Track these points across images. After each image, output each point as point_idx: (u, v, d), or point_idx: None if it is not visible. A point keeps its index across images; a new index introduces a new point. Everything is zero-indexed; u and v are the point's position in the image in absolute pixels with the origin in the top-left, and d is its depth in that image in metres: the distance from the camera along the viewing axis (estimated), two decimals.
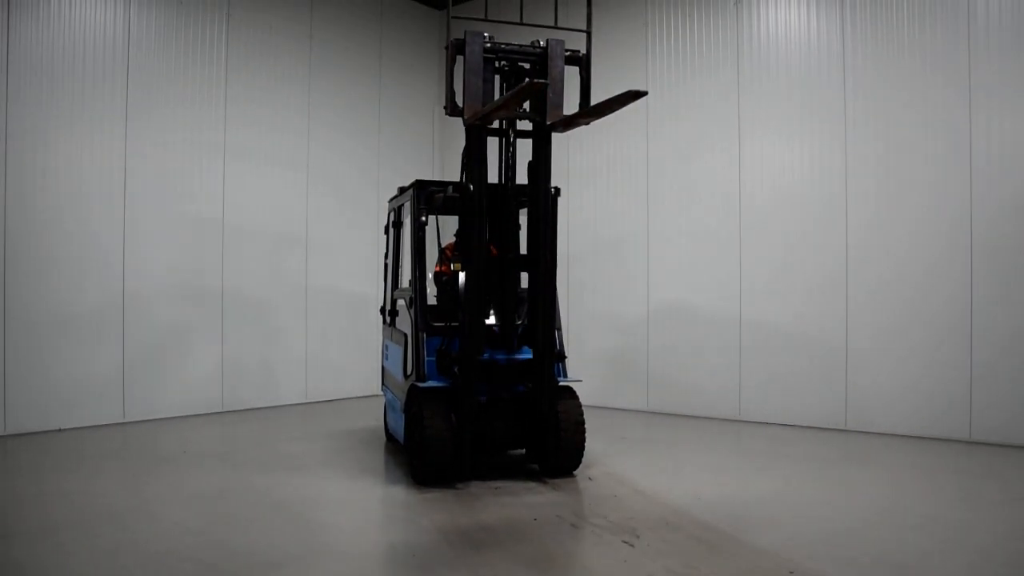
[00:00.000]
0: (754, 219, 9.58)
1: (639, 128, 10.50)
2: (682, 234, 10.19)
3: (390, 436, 8.29)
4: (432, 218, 7.27)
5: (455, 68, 6.39)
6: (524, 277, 6.87)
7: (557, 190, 6.81)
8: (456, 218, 7.00)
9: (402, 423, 7.13)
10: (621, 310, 10.72)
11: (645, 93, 5.32)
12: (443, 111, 6.57)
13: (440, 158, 12.87)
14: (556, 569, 4.67)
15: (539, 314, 6.49)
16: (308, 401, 11.11)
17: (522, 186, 6.74)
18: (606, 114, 5.87)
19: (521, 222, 7.00)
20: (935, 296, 8.27)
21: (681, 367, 10.17)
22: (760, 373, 9.51)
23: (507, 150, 6.83)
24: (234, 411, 10.18)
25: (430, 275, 7.51)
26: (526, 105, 6.45)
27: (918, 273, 8.39)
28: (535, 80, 5.61)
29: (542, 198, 6.49)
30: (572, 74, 6.70)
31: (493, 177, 6.73)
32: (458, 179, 6.84)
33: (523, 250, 6.88)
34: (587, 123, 6.37)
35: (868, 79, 8.75)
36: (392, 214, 8.22)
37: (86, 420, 8.84)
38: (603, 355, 10.82)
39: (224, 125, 10.15)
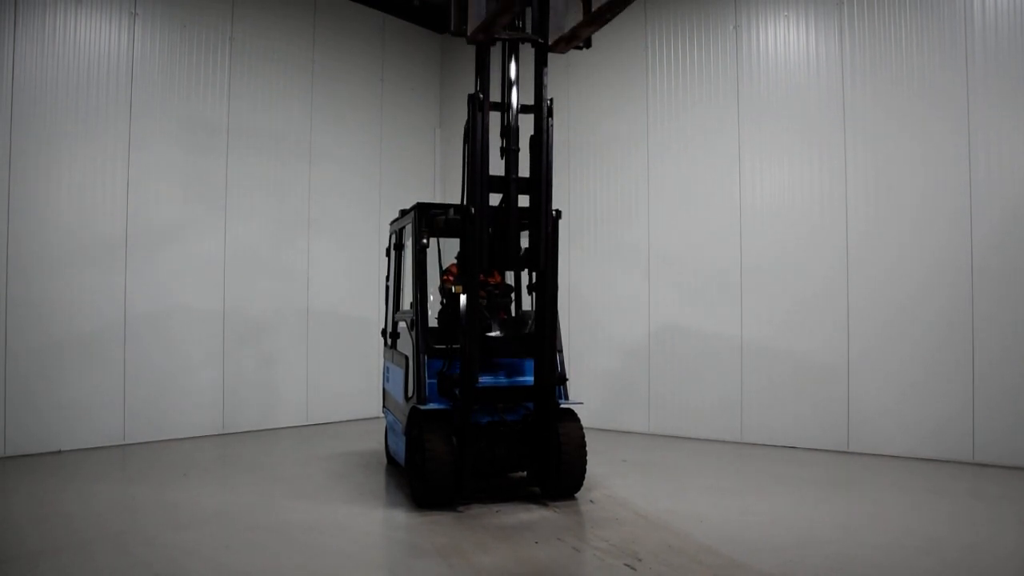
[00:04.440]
0: (754, 239, 9.61)
1: (639, 143, 10.55)
2: (682, 254, 10.22)
3: (391, 458, 8.26)
4: (433, 240, 7.28)
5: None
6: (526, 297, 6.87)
7: (559, 212, 6.82)
8: (457, 241, 7.01)
9: (403, 445, 7.11)
10: (622, 331, 10.73)
11: None
12: (449, 32, 6.39)
13: (441, 181, 12.92)
14: None
15: (541, 335, 6.48)
16: (309, 423, 11.10)
17: (523, 209, 6.74)
18: (608, 19, 5.76)
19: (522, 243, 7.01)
20: (935, 317, 8.28)
21: (682, 388, 10.16)
22: (762, 395, 9.50)
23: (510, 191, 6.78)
24: (234, 433, 10.16)
25: (432, 297, 7.51)
26: (528, 39, 6.40)
27: (918, 291, 8.41)
28: None
29: (544, 199, 6.43)
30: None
31: (495, 163, 6.56)
32: (460, 192, 6.80)
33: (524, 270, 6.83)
34: (590, 36, 6.23)
35: (866, 96, 8.80)
36: (393, 236, 8.24)
37: (87, 442, 8.83)
38: (604, 376, 10.81)
39: (226, 148, 10.21)
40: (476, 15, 6.17)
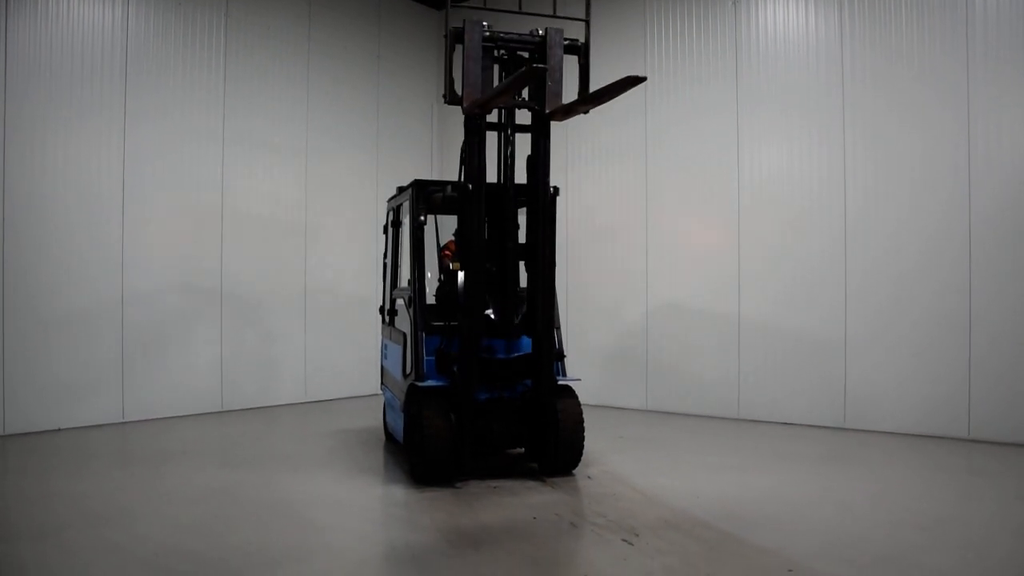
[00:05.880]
0: (752, 215, 9.58)
1: (638, 122, 10.50)
2: (680, 231, 10.19)
3: (389, 435, 8.28)
4: (431, 218, 7.25)
5: (454, 57, 6.37)
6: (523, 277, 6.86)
7: (556, 189, 6.81)
8: (455, 217, 6.99)
9: (401, 422, 7.13)
10: (620, 308, 10.72)
11: (644, 79, 5.29)
12: (442, 100, 6.54)
13: (439, 158, 12.86)
14: (555, 568, 4.68)
15: (538, 312, 6.49)
16: (307, 400, 11.10)
17: (521, 185, 6.73)
18: (605, 100, 5.85)
19: (520, 222, 7.00)
20: (932, 295, 8.28)
21: (680, 365, 10.17)
22: (759, 371, 9.52)
23: (506, 147, 6.82)
24: (233, 411, 10.17)
25: (430, 274, 7.51)
26: (525, 94, 6.45)
27: (915, 269, 8.40)
28: (535, 65, 5.62)
29: (541, 193, 6.49)
30: (571, 65, 6.70)
31: (492, 176, 6.72)
32: (456, 178, 6.82)
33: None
34: (586, 111, 6.34)
35: (866, 74, 8.74)
36: (391, 214, 8.21)
37: (85, 420, 8.83)
38: (602, 353, 10.82)
39: (223, 126, 10.14)
40: (471, 85, 6.18)
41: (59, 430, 8.58)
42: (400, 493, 6.30)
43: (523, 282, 6.91)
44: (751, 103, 9.59)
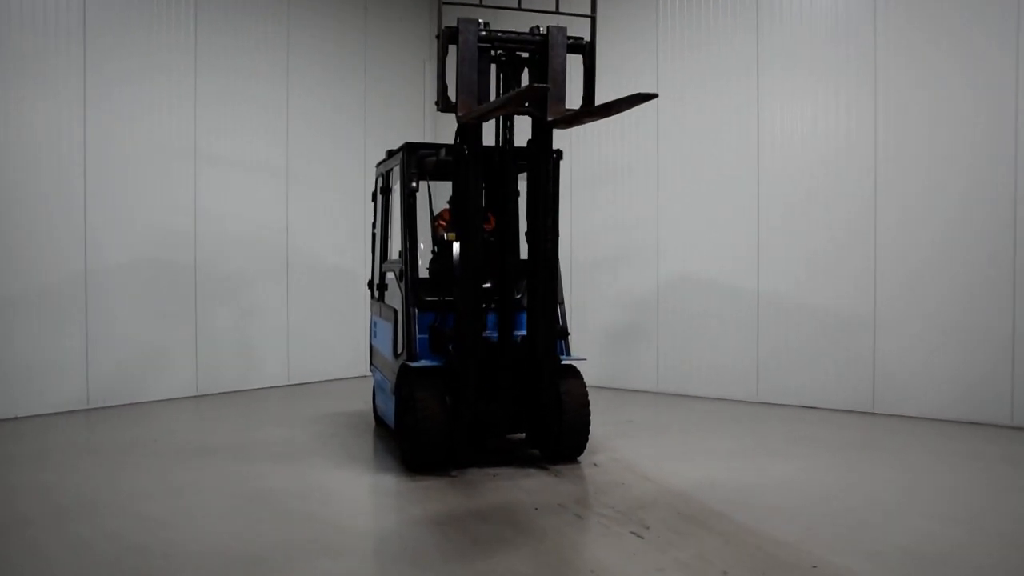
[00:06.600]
0: (773, 180, 9.57)
1: (648, 81, 10.42)
2: (694, 199, 10.19)
3: (379, 420, 8.33)
4: (424, 184, 7.26)
5: (447, 59, 6.28)
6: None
7: (559, 152, 6.80)
8: (449, 184, 6.99)
9: (392, 406, 7.16)
10: (628, 282, 10.75)
11: (655, 96, 5.29)
12: (435, 106, 6.49)
13: (432, 119, 12.82)
14: (560, 563, 4.71)
15: (539, 287, 6.51)
16: (290, 383, 11.16)
17: (521, 148, 6.73)
18: (611, 115, 5.86)
19: (521, 188, 7.01)
20: (973, 267, 8.26)
21: (693, 344, 10.21)
22: (780, 350, 9.55)
23: (504, 124, 6.82)
24: (210, 395, 10.22)
25: (423, 246, 7.52)
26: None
27: (955, 240, 8.36)
28: (535, 84, 5.61)
29: (543, 159, 6.49)
30: (574, 70, 6.61)
31: (489, 139, 6.70)
32: (451, 145, 6.81)
33: (523, 217, 6.87)
34: (591, 121, 6.36)
35: (900, 15, 8.62)
36: (380, 180, 8.21)
37: (47, 407, 8.85)
38: (609, 331, 10.86)
39: (194, 81, 10.08)
40: (466, 91, 6.13)
41: (17, 418, 8.62)
42: (391, 482, 6.34)
43: (523, 254, 6.92)
44: (773, 61, 9.54)
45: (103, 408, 9.23)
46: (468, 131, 6.34)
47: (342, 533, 5.23)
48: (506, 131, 6.80)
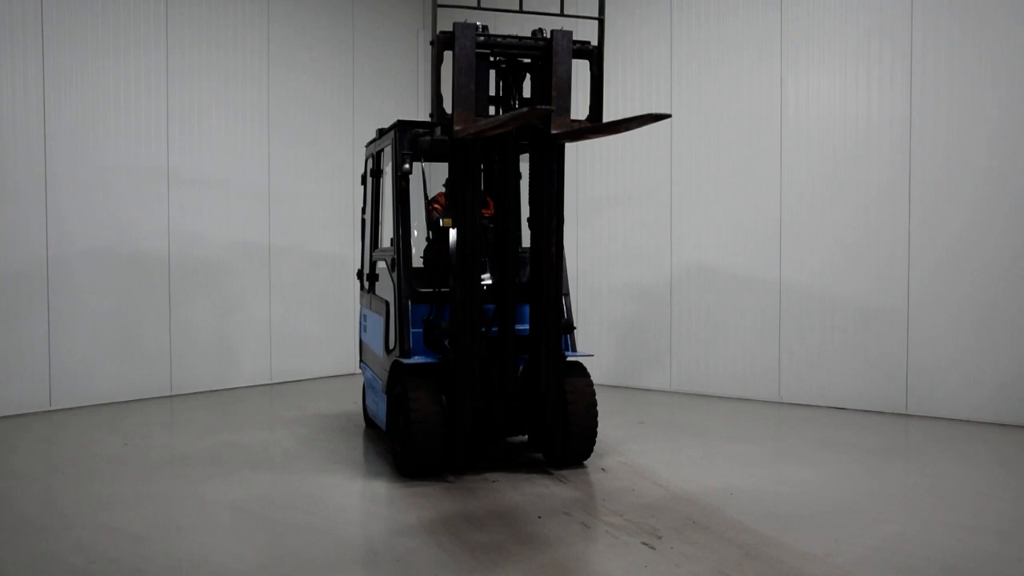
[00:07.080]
0: (797, 164, 9.50)
1: (662, 55, 10.39)
2: (711, 184, 10.13)
3: (370, 421, 8.34)
4: (418, 165, 7.22)
5: (442, 66, 6.25)
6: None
7: None
8: (445, 165, 6.94)
9: (383, 406, 7.16)
10: (640, 273, 10.71)
11: (668, 116, 5.32)
12: (429, 119, 6.49)
13: (426, 95, 12.76)
14: None
15: (543, 278, 6.47)
16: (273, 382, 11.17)
17: (523, 127, 6.66)
18: (620, 132, 5.86)
19: (523, 170, 6.96)
20: (1015, 258, 8.20)
21: (710, 340, 10.18)
22: (804, 346, 9.50)
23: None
24: (185, 395, 10.20)
25: (417, 233, 7.48)
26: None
27: (994, 229, 8.30)
28: (539, 106, 5.57)
29: (547, 140, 6.43)
30: (580, 76, 6.56)
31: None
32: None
33: (525, 203, 6.84)
34: (596, 138, 6.33)
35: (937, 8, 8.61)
36: (370, 161, 8.20)
37: (6, 408, 8.81)
38: (618, 325, 10.82)
39: (166, 62, 10.01)
40: (462, 103, 6.08)
41: None
42: (382, 488, 6.33)
43: (525, 241, 6.89)
44: (797, 34, 9.46)
45: (66, 410, 9.19)
46: (463, 157, 6.33)
47: (329, 544, 5.19)
48: (507, 108, 6.75)
